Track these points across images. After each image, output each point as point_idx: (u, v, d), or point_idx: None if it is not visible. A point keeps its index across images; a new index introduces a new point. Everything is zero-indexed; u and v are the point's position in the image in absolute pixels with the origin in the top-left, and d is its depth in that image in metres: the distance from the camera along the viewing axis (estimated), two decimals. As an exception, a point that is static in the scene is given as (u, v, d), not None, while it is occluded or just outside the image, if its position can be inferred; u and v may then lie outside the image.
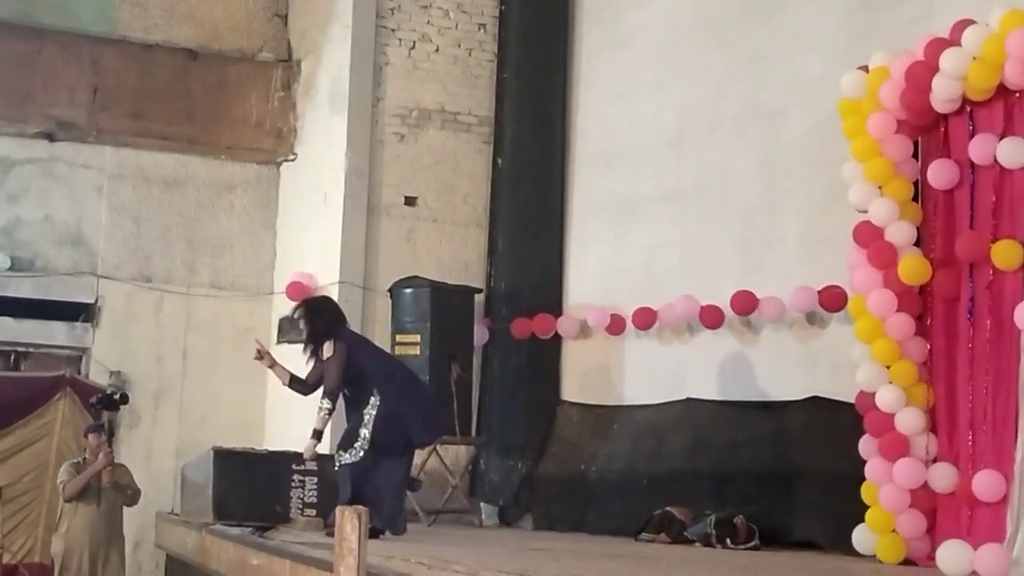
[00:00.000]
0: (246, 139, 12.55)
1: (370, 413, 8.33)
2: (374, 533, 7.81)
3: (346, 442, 8.41)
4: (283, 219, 12.58)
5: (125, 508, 10.11)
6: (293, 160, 12.56)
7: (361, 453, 8.32)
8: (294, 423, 11.82)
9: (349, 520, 5.26)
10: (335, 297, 11.58)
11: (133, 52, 12.21)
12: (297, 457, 9.90)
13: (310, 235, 12.14)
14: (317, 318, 8.58)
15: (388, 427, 8.34)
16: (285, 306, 12.10)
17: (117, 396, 10.04)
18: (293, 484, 9.73)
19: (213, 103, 12.46)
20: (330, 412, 8.38)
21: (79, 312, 11.96)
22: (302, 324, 8.66)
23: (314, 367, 8.59)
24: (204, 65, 12.43)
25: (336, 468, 8.46)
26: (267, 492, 9.66)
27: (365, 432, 8.32)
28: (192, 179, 12.41)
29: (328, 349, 8.43)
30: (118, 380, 11.87)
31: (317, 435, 8.43)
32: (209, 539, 9.18)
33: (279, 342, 12.31)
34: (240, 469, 9.78)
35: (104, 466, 9.64)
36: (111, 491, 9.78)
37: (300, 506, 9.70)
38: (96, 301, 12.00)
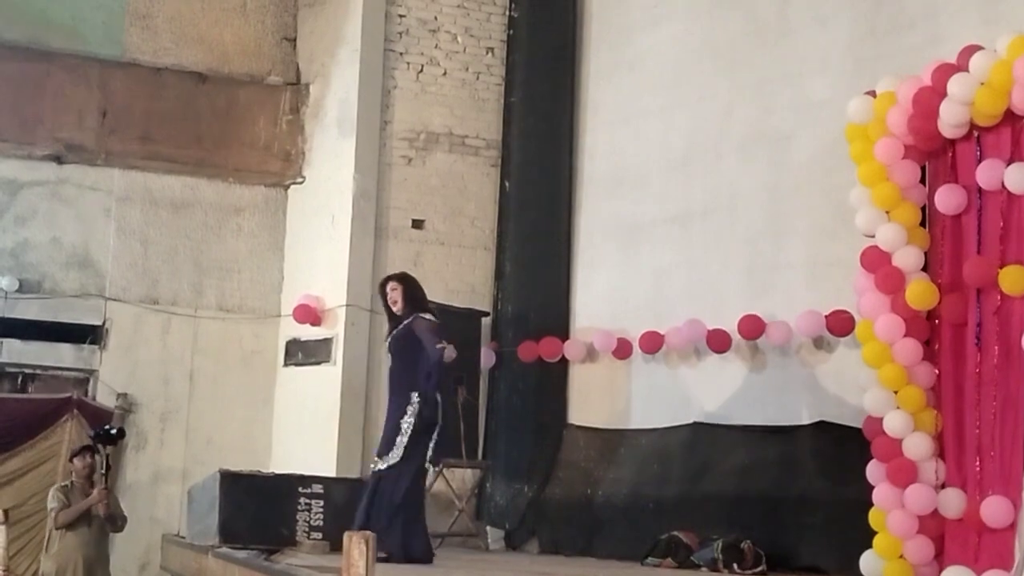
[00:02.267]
0: (254, 162, 12.58)
1: (408, 421, 8.38)
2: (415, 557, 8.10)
3: (384, 443, 8.46)
4: (291, 241, 12.60)
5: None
6: (301, 183, 12.59)
7: (388, 463, 8.38)
8: (300, 446, 11.86)
9: (356, 546, 5.25)
10: (341, 319, 11.67)
11: (142, 75, 12.25)
12: (303, 480, 9.90)
13: (318, 258, 12.15)
14: (411, 285, 8.75)
15: (419, 438, 8.40)
16: (292, 329, 12.15)
17: (115, 431, 9.98)
18: (299, 507, 9.71)
19: (221, 126, 12.48)
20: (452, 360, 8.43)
21: (86, 334, 11.96)
22: (396, 293, 8.68)
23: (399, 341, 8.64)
24: (213, 88, 12.47)
25: (379, 470, 8.46)
26: (273, 515, 9.64)
27: (401, 440, 8.38)
28: (200, 202, 12.43)
29: (428, 316, 8.58)
30: (124, 402, 11.87)
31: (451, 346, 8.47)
32: (215, 562, 9.16)
33: (286, 364, 12.33)
34: (246, 492, 9.76)
35: (98, 502, 9.57)
36: (100, 519, 9.71)
37: (306, 529, 9.68)
38: (103, 323, 12.01)
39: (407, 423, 8.38)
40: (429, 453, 8.50)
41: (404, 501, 8.37)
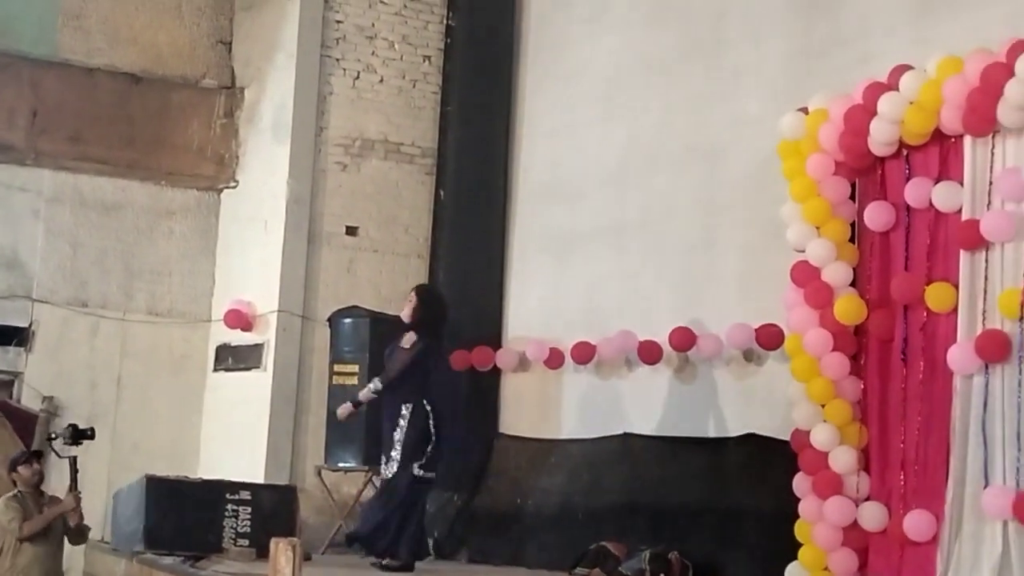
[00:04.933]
0: (187, 165, 12.47)
1: (401, 433, 8.52)
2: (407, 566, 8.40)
3: (416, 454, 8.62)
4: (223, 246, 12.51)
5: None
6: (234, 187, 12.51)
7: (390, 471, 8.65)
8: (229, 452, 11.78)
9: (283, 552, 5.23)
10: (272, 325, 11.61)
11: (74, 75, 12.11)
12: (231, 486, 9.83)
13: (250, 263, 12.08)
14: (430, 306, 8.87)
15: (412, 450, 8.56)
16: (223, 334, 12.06)
17: (89, 431, 9.13)
18: (227, 514, 9.65)
19: (154, 128, 12.37)
20: (376, 394, 8.76)
21: (12, 336, 11.79)
22: (410, 307, 8.79)
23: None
24: (146, 90, 12.35)
25: (407, 481, 8.67)
26: (200, 521, 9.58)
27: (395, 452, 8.66)
28: (131, 204, 12.31)
29: (408, 340, 8.64)
30: (50, 406, 11.71)
31: (356, 404, 8.91)
32: (140, 568, 9.08)
33: (216, 370, 12.24)
34: (173, 497, 9.68)
35: (70, 509, 8.76)
36: (59, 529, 8.87)
37: (233, 536, 9.62)
38: (30, 325, 11.85)
39: (399, 434, 8.52)
40: (422, 463, 8.69)
41: (395, 511, 8.64)
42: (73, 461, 8.88)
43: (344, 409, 9.05)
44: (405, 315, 8.94)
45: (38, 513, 8.76)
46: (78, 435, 9.07)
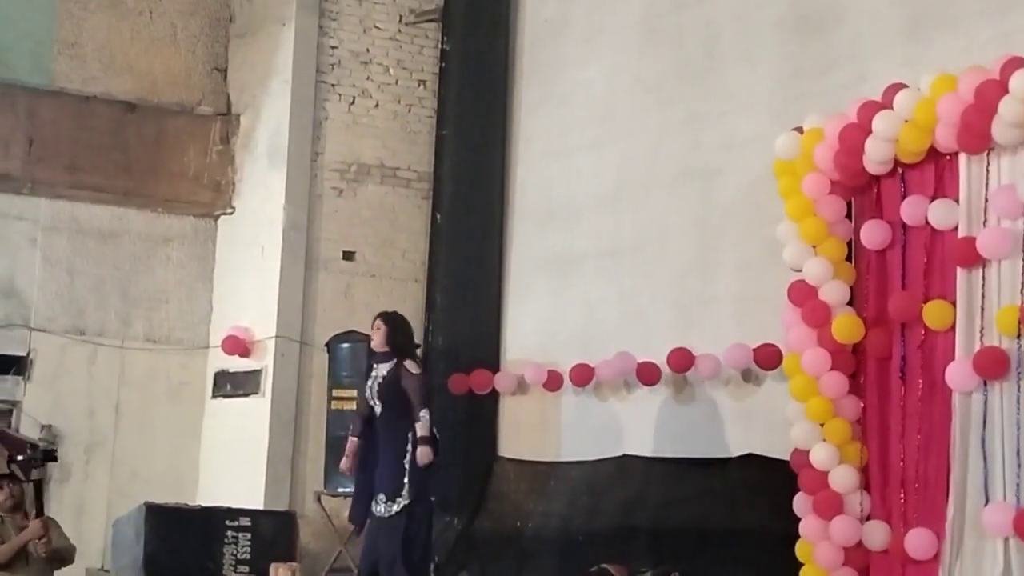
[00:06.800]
0: (183, 192, 12.48)
1: (409, 460, 8.46)
2: None
3: (391, 489, 8.57)
4: (220, 273, 12.50)
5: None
6: (231, 214, 12.51)
7: (400, 505, 8.46)
8: (228, 479, 11.75)
9: (284, 578, 5.22)
10: (270, 351, 11.61)
11: (70, 104, 12.11)
12: (231, 513, 9.81)
13: (247, 289, 12.07)
14: (399, 329, 8.90)
15: (423, 477, 8.51)
16: (221, 360, 12.05)
17: (49, 450, 8.43)
18: (226, 540, 9.65)
19: (150, 156, 12.38)
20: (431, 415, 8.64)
21: (10, 365, 11.76)
22: (379, 333, 8.68)
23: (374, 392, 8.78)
24: (142, 118, 12.36)
25: (388, 517, 8.56)
26: (199, 549, 9.57)
27: (407, 481, 8.52)
28: (128, 232, 12.31)
29: (414, 367, 8.73)
30: (49, 434, 11.66)
31: (430, 440, 8.62)
32: (140, 596, 9.05)
33: (214, 396, 12.22)
34: (172, 525, 9.68)
35: (36, 536, 8.21)
36: (45, 560, 8.41)
37: (233, 563, 9.61)
38: (28, 354, 11.82)
39: (408, 463, 8.47)
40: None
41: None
42: (38, 484, 8.26)
43: (427, 456, 8.80)
44: (377, 344, 8.89)
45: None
46: (44, 457, 8.28)
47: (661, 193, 10.39)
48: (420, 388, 8.68)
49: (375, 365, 8.98)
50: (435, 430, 8.78)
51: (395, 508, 8.57)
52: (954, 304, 7.55)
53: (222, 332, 11.99)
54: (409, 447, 8.57)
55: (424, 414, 8.58)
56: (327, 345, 11.42)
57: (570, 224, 11.16)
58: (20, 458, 8.61)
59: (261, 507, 10.86)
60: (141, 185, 12.32)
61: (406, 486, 8.54)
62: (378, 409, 8.91)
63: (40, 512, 8.22)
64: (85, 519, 11.67)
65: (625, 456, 10.26)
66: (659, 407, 10.11)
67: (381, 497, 8.64)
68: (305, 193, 11.91)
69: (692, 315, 9.96)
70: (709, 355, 9.66)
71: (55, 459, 8.66)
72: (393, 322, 8.96)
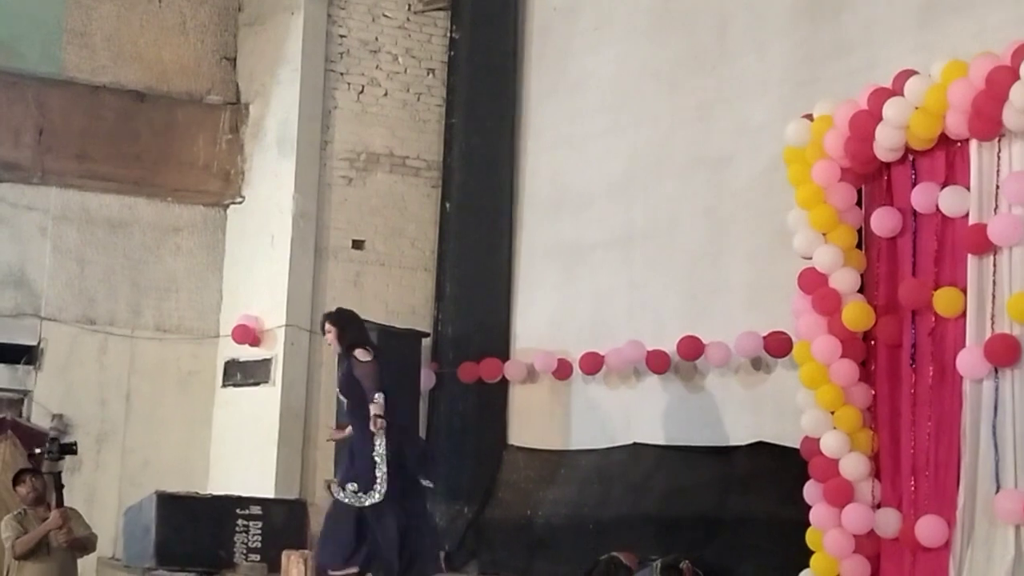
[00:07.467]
0: (193, 181, 12.49)
1: (380, 453, 8.38)
2: None
3: (363, 479, 8.43)
4: (229, 262, 12.52)
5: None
6: (240, 203, 12.52)
7: (377, 496, 8.37)
8: (239, 468, 11.77)
9: (295, 565, 5.22)
10: (280, 340, 11.61)
11: (79, 93, 12.13)
12: (241, 502, 9.83)
13: (257, 278, 12.09)
14: (346, 325, 8.79)
15: (397, 464, 8.44)
16: (231, 349, 12.07)
17: (70, 444, 8.95)
18: (237, 529, 9.66)
19: (160, 145, 12.39)
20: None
21: (21, 354, 11.80)
22: (331, 335, 8.72)
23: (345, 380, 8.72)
24: (151, 107, 12.37)
25: (341, 503, 8.46)
26: (210, 537, 9.59)
27: (380, 472, 8.38)
28: (138, 221, 12.33)
29: (364, 354, 8.61)
30: (60, 423, 11.70)
31: (382, 417, 8.54)
32: (151, 585, 9.08)
33: (224, 385, 12.24)
34: (183, 513, 9.70)
35: (56, 527, 8.48)
36: (66, 549, 8.64)
37: (244, 551, 9.63)
38: (39, 343, 11.86)
39: (379, 455, 8.42)
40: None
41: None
42: (57, 477, 8.63)
43: (337, 434, 8.90)
44: (333, 347, 8.89)
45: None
46: (63, 450, 8.84)
47: (671, 181, 10.37)
48: (372, 373, 8.59)
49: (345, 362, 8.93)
50: (388, 412, 8.60)
51: (366, 500, 8.43)
52: (965, 291, 7.53)
53: (232, 321, 12.01)
54: (376, 440, 8.47)
55: (378, 397, 8.49)
56: (337, 334, 11.41)
57: (580, 212, 11.15)
58: (37, 451, 8.83)
59: (272, 495, 10.88)
60: (151, 174, 12.34)
61: (378, 479, 8.45)
62: (345, 404, 8.88)
63: (60, 503, 8.44)
64: (96, 508, 11.66)
65: (635, 444, 10.26)
66: (669, 395, 10.11)
67: (352, 487, 8.51)
68: (314, 182, 11.92)
69: (702, 303, 9.95)
70: (719, 343, 9.65)
71: (74, 452, 8.86)
72: (340, 321, 8.86)
